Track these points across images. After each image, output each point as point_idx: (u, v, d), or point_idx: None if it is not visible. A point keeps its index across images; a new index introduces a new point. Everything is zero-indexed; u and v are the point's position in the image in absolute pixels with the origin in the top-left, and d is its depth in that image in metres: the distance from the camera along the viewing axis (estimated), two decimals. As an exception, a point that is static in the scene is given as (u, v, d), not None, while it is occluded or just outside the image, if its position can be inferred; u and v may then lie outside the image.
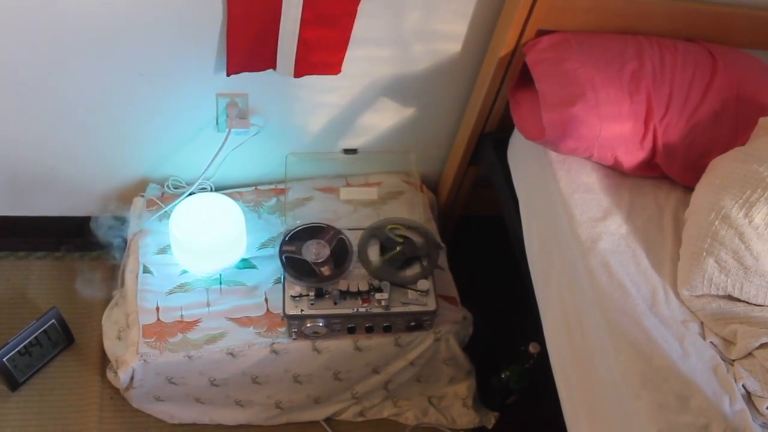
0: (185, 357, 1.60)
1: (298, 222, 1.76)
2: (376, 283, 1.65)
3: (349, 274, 1.68)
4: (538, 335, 1.44)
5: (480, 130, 1.77)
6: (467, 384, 1.87)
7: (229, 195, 1.81)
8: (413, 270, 1.69)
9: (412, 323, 1.67)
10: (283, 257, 1.66)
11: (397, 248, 1.72)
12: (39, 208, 1.92)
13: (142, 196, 1.87)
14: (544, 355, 1.42)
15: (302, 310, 1.60)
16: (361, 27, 1.56)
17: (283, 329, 1.65)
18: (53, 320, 1.76)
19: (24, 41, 1.47)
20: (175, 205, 1.73)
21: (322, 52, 1.58)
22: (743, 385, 1.15)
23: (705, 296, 1.26)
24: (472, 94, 1.77)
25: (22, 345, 1.71)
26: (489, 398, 1.90)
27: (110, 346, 1.74)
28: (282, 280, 1.65)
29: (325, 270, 1.65)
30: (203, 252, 1.70)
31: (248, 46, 1.53)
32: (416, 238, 1.75)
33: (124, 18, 1.46)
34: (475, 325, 1.79)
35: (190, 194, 1.77)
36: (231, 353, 1.61)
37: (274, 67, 1.61)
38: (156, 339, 1.61)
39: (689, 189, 1.41)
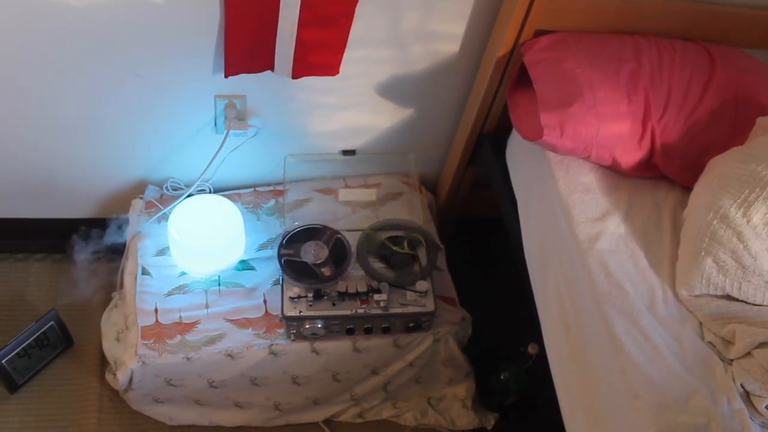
0: (184, 358, 1.59)
1: (297, 223, 1.76)
2: (374, 284, 1.65)
3: (347, 276, 1.67)
4: (537, 336, 1.44)
5: (478, 130, 1.77)
6: (466, 385, 1.87)
7: (228, 196, 1.81)
8: (412, 271, 1.69)
9: (411, 324, 1.66)
10: (282, 259, 1.66)
11: (396, 249, 1.72)
12: (38, 210, 1.92)
13: (141, 198, 1.87)
14: (543, 355, 1.41)
15: (301, 312, 1.60)
16: (359, 28, 1.56)
17: (281, 331, 1.65)
18: (52, 322, 1.76)
19: (20, 43, 1.47)
20: (174, 206, 1.73)
21: (320, 53, 1.58)
22: (741, 385, 1.15)
23: (703, 296, 1.26)
24: (470, 95, 1.77)
25: (21, 347, 1.71)
26: (488, 399, 1.90)
27: (109, 347, 1.74)
28: (280, 282, 1.65)
29: (324, 271, 1.65)
30: (202, 253, 1.70)
31: (246, 47, 1.53)
32: (415, 239, 1.75)
33: (121, 19, 1.46)
34: (474, 326, 1.79)
35: (189, 196, 1.77)
36: (230, 355, 1.61)
37: (272, 69, 1.61)
38: (155, 341, 1.60)
39: (687, 189, 1.40)
